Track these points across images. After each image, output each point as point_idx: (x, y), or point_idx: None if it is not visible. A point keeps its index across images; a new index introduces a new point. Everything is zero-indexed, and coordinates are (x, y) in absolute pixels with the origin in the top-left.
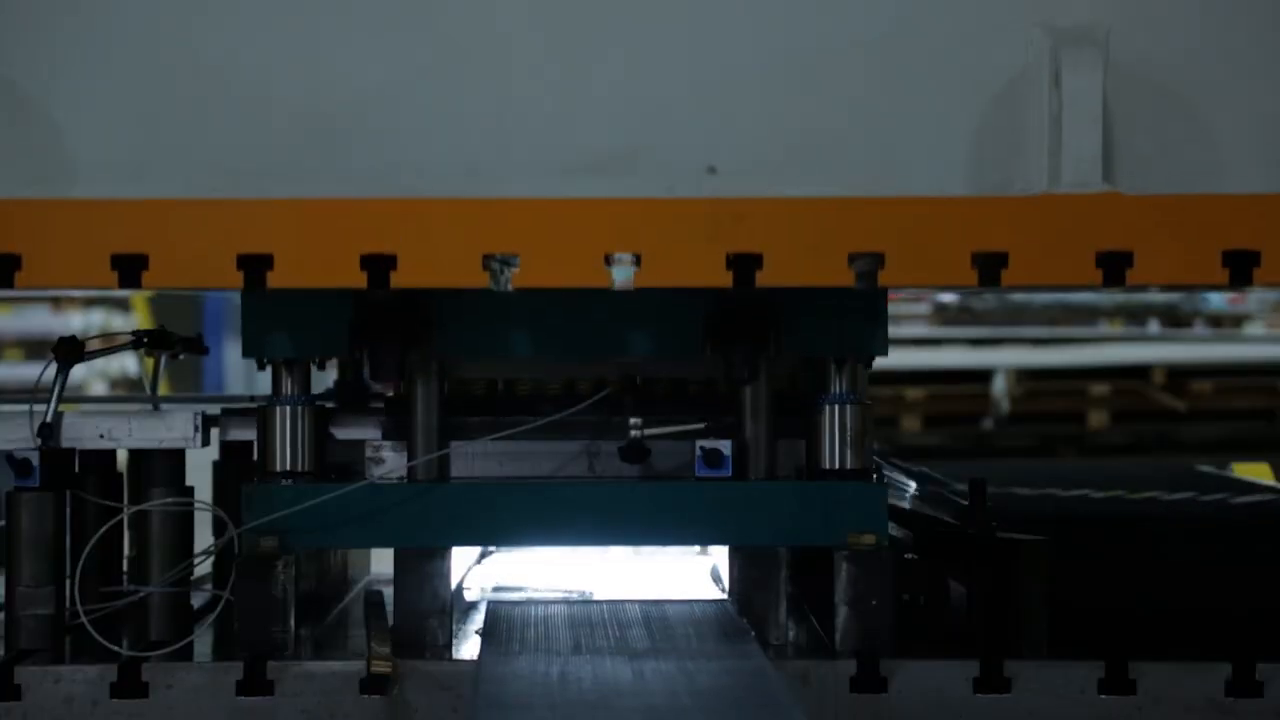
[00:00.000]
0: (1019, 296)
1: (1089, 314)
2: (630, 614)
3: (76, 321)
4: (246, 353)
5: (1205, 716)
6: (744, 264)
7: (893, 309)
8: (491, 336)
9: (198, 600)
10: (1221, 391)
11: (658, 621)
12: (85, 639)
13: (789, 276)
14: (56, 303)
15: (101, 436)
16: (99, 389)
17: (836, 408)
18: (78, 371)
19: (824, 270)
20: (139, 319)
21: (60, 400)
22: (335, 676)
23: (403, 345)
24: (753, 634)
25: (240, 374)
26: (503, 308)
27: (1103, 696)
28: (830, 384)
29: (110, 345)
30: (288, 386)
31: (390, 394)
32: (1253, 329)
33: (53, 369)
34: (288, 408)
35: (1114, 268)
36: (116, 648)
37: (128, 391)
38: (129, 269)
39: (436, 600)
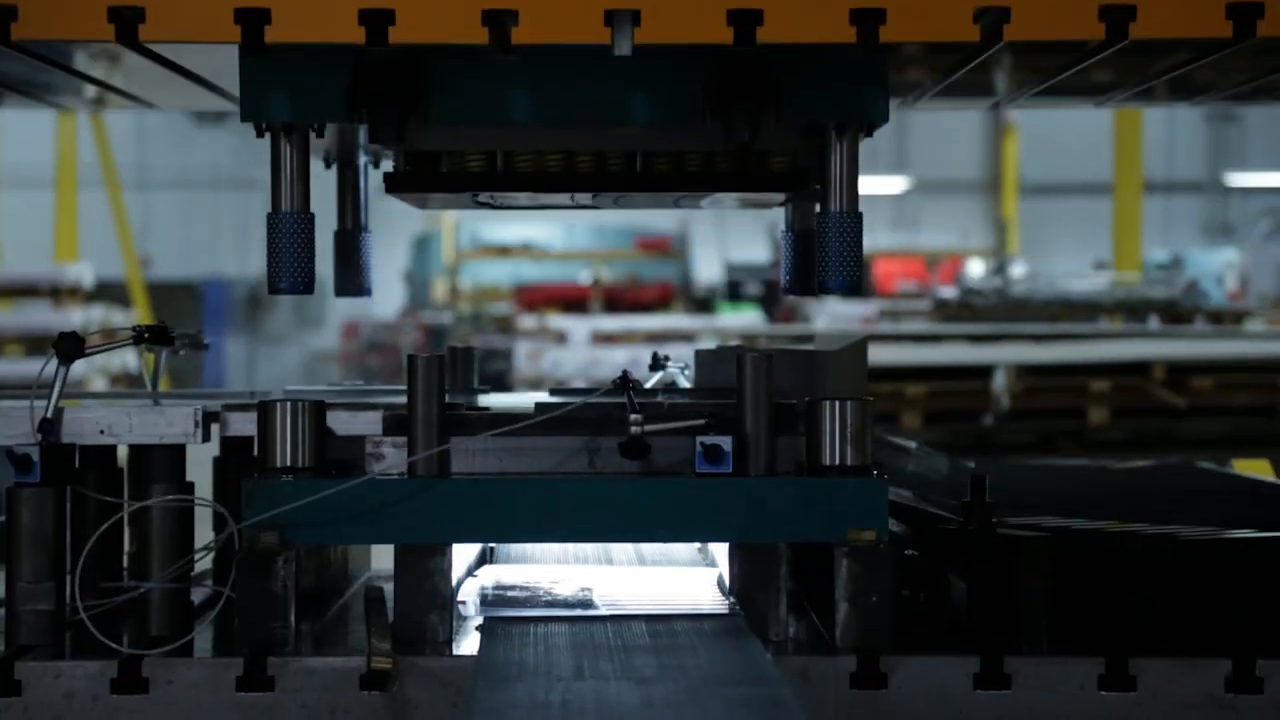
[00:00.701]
0: (1020, 291)
1: (1089, 310)
2: (636, 633)
3: (77, 317)
4: (245, 116)
5: (1205, 713)
6: (744, 19)
7: (894, 305)
8: (490, 100)
9: (198, 596)
10: (1222, 388)
11: (665, 641)
12: (85, 635)
13: (790, 32)
14: (56, 297)
15: (102, 432)
16: (99, 385)
17: (836, 404)
18: (78, 367)
19: (825, 27)
20: (139, 314)
21: (61, 396)
22: (335, 672)
23: (402, 106)
24: (770, 657)
25: (240, 370)
26: (501, 70)
27: (1103, 693)
28: (829, 157)
29: (110, 341)
30: (287, 156)
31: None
32: (1253, 325)
33: (53, 365)
34: (288, 403)
35: (1117, 21)
36: (117, 644)
37: (128, 387)
38: (126, 22)
39: (437, 597)
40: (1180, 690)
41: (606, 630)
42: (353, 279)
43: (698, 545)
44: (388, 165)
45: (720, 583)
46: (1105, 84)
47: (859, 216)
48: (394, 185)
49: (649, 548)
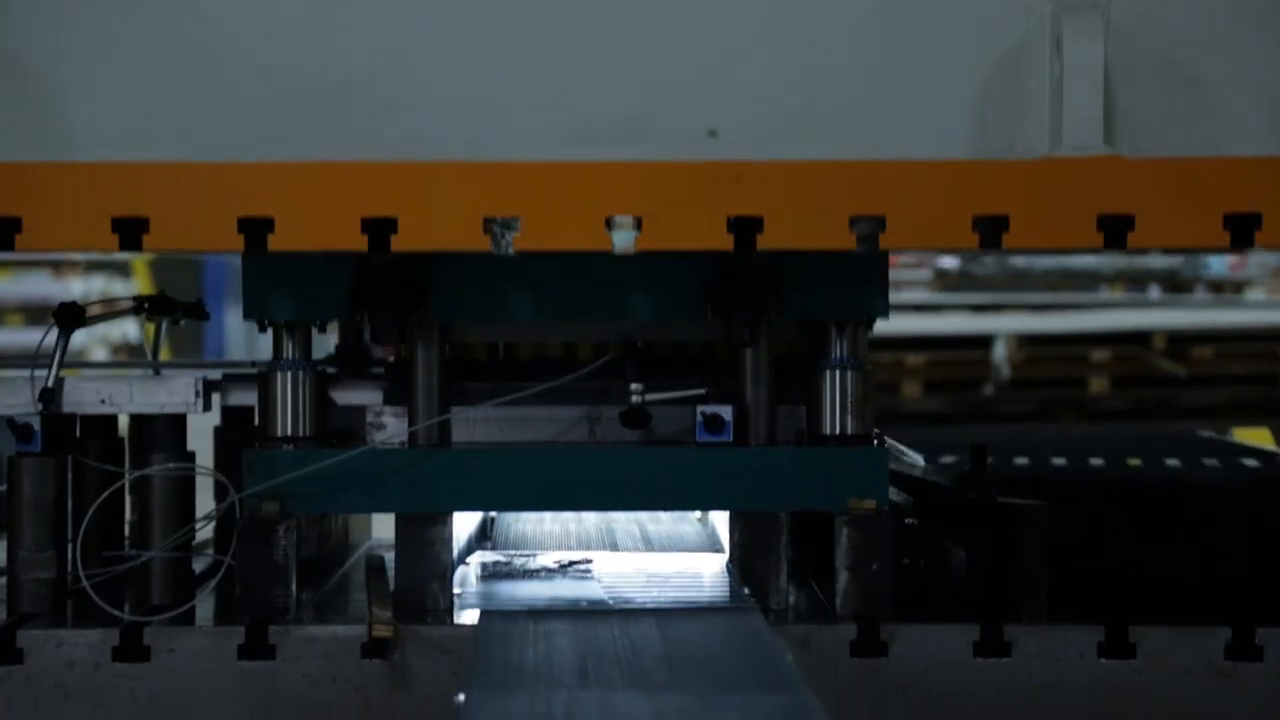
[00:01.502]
0: (1020, 261)
1: (1090, 280)
2: (645, 630)
3: (77, 287)
4: (248, 315)
5: (1205, 680)
6: (745, 227)
7: (894, 275)
8: (492, 299)
9: (199, 565)
10: (1222, 357)
11: (677, 640)
12: (87, 603)
13: (790, 240)
14: (57, 268)
15: (103, 402)
16: (100, 355)
17: (837, 373)
18: (79, 337)
19: (825, 233)
20: (140, 284)
21: (61, 365)
22: (337, 641)
23: (403, 309)
24: (791, 658)
25: (241, 340)
26: (503, 271)
27: (1103, 660)
28: (831, 348)
29: (111, 311)
30: (289, 349)
31: (391, 359)
32: (1254, 294)
33: (54, 334)
34: (289, 373)
35: (1115, 230)
36: (118, 612)
37: (129, 358)
38: (130, 232)
39: (437, 565)
40: (1180, 658)
41: (613, 628)
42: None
43: (698, 516)
44: None
45: (730, 569)
46: None
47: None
48: (391, 372)
49: (654, 531)
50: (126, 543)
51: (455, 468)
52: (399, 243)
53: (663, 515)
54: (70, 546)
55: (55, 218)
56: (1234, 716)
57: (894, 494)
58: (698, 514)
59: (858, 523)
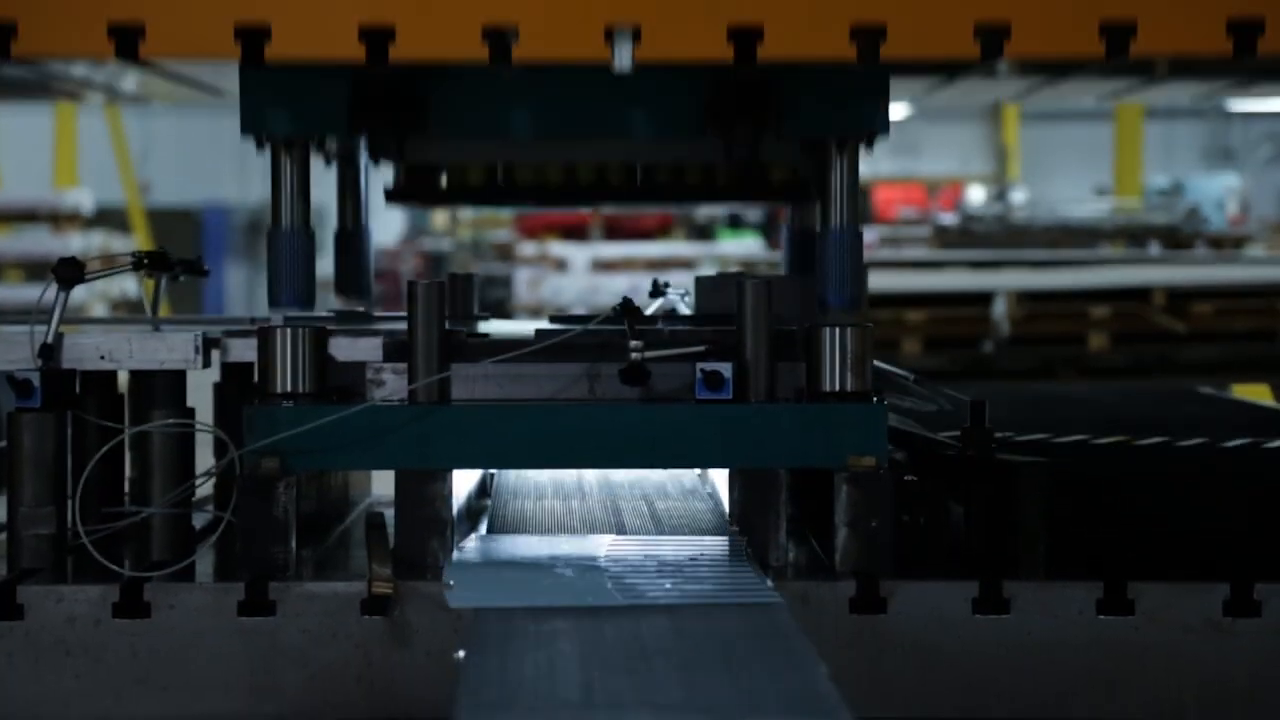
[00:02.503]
0: (1020, 217)
1: (1090, 236)
2: (658, 633)
3: (76, 243)
4: (245, 129)
5: (1203, 636)
6: (744, 36)
7: (894, 232)
8: (491, 116)
9: (199, 522)
10: (1222, 313)
11: (693, 646)
12: (87, 560)
13: (790, 48)
14: (56, 223)
15: (102, 358)
16: (99, 311)
17: (836, 330)
18: (78, 293)
19: (825, 42)
20: (139, 241)
21: (61, 321)
22: (337, 597)
23: (402, 123)
24: (825, 669)
25: (240, 297)
26: (502, 86)
27: (1101, 617)
28: (830, 171)
29: (110, 266)
30: (287, 172)
31: (388, 313)
32: (1254, 250)
33: (53, 290)
34: (288, 329)
35: (1118, 37)
36: (118, 568)
37: (128, 314)
38: (125, 37)
39: (437, 522)
40: (1178, 614)
41: (621, 629)
42: (354, 279)
43: (697, 473)
44: (389, 170)
45: (748, 554)
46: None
47: (859, 232)
48: (394, 197)
49: (663, 509)
50: (126, 499)
51: (455, 424)
52: (397, 52)
53: (671, 492)
54: (70, 502)
55: (51, 23)
56: (1232, 672)
57: (893, 451)
58: (702, 482)
59: (857, 479)
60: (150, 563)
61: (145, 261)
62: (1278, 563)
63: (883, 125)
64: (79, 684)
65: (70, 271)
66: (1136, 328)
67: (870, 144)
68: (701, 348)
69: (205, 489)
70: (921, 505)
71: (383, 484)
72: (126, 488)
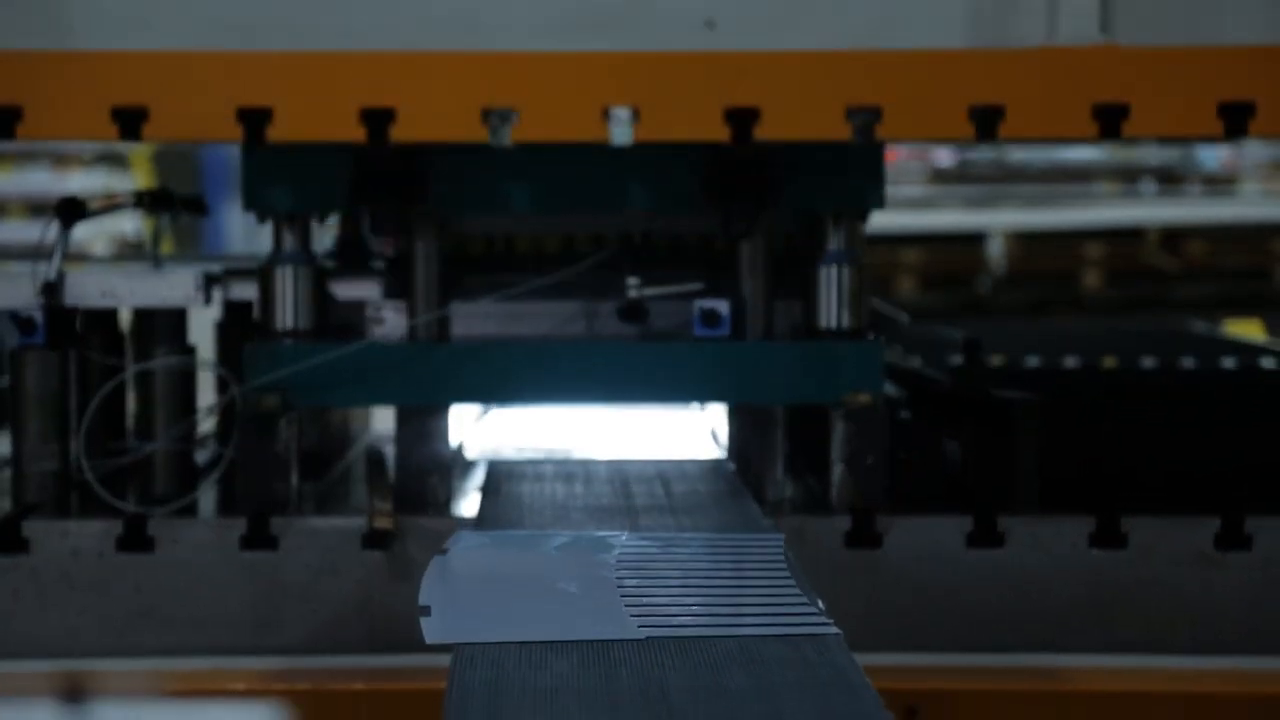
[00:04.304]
0: (1016, 157)
1: (1084, 174)
2: (677, 654)
3: (78, 181)
4: (247, 207)
5: (1195, 569)
6: (742, 118)
7: (891, 172)
8: (490, 191)
9: (201, 459)
10: (1215, 251)
11: (728, 680)
12: (90, 495)
13: (787, 130)
14: (59, 161)
15: (104, 295)
16: (101, 249)
17: (834, 268)
18: (80, 231)
19: (821, 124)
20: (140, 179)
21: (63, 259)
22: (338, 532)
23: (403, 201)
24: (878, 696)
25: (241, 235)
26: (502, 163)
27: (1094, 551)
28: (828, 240)
29: (112, 205)
30: (288, 242)
31: (391, 253)
32: (1247, 188)
33: (55, 228)
34: (289, 267)
35: (1110, 120)
36: (122, 503)
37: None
38: (129, 121)
39: (437, 457)
40: (1170, 547)
41: (635, 657)
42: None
43: (698, 411)
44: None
45: (787, 555)
46: None
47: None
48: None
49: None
50: (129, 436)
51: (454, 361)
52: (398, 133)
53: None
54: (74, 439)
55: (55, 107)
56: (1223, 605)
57: (889, 387)
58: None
59: (853, 416)
60: (153, 498)
61: (146, 199)
62: (1270, 496)
63: (877, 201)
64: (83, 618)
65: (72, 210)
66: (1130, 266)
67: (866, 219)
68: (699, 285)
69: (207, 426)
70: (917, 442)
71: (383, 420)
72: (130, 426)
